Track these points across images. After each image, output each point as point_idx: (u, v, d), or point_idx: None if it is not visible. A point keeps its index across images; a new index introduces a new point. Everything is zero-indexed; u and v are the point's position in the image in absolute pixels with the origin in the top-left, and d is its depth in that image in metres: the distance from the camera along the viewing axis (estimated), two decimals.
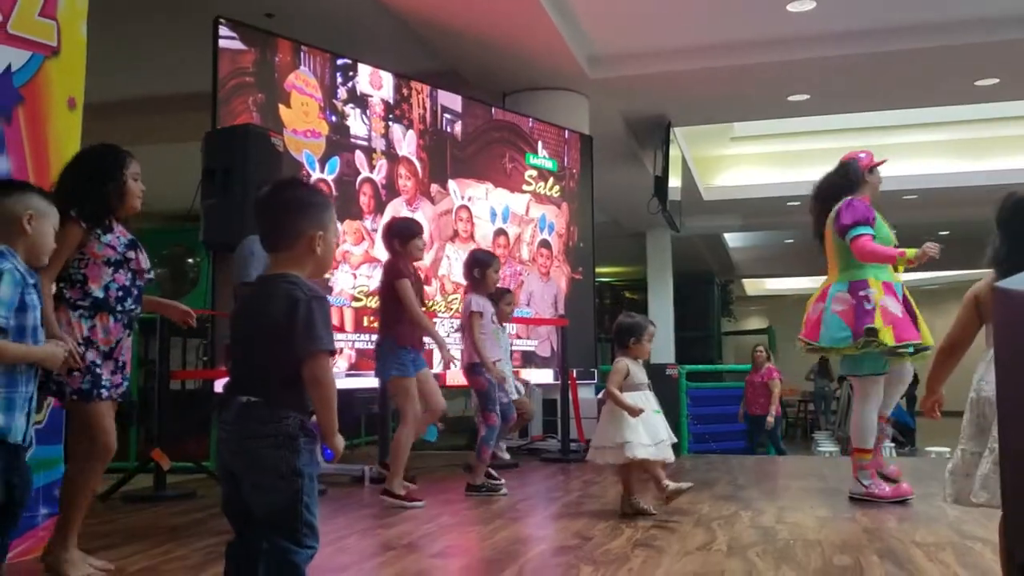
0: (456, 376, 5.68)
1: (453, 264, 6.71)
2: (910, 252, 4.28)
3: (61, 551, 2.96)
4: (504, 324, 5.77)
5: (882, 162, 4.75)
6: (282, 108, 5.62)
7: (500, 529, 3.87)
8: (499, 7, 6.59)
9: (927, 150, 11.99)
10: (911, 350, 4.38)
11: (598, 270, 8.93)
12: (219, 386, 4.26)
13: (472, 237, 6.98)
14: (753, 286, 24.36)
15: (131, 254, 3.14)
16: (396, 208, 6.32)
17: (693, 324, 16.70)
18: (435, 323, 6.44)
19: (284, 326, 1.99)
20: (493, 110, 7.46)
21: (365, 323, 5.96)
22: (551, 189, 7.81)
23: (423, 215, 6.52)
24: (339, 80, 6.04)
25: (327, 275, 5.73)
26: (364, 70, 6.24)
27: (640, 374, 4.21)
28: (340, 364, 5.76)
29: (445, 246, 6.76)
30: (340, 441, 2.06)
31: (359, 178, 6.11)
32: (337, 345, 5.67)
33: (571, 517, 4.18)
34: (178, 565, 3.18)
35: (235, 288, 4.38)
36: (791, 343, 4.95)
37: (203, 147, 4.72)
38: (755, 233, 16.63)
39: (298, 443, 2.00)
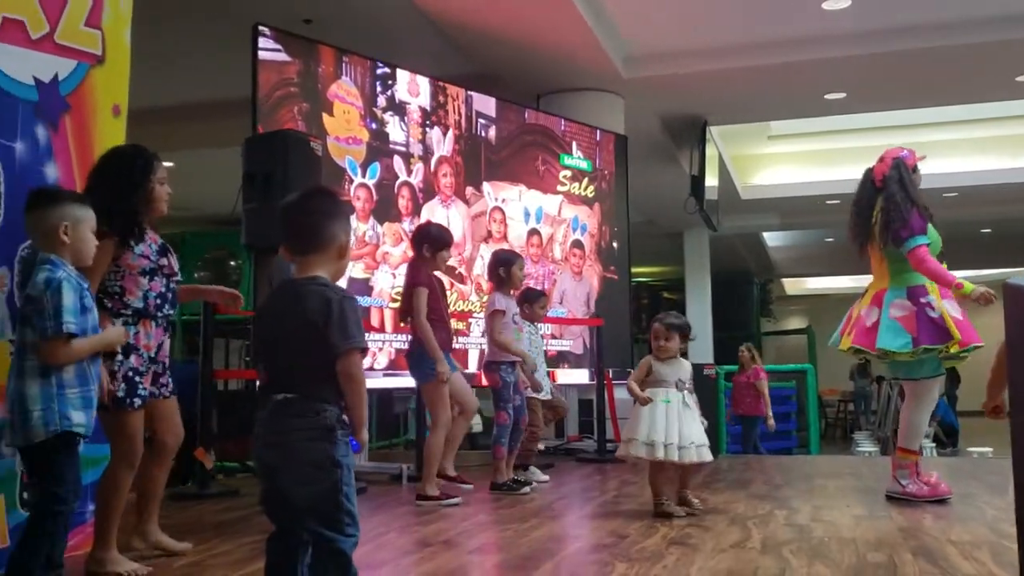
0: None
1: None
2: (967, 287, 4.24)
3: (101, 551, 3.03)
4: (537, 324, 5.82)
5: (922, 158, 4.72)
6: (325, 117, 5.74)
7: (536, 527, 3.91)
8: (534, 9, 6.62)
9: (967, 147, 11.79)
10: (967, 353, 4.33)
11: (634, 270, 8.89)
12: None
13: (505, 237, 7.04)
14: (793, 285, 24.06)
15: (163, 260, 3.19)
16: (431, 209, 6.40)
17: (732, 324, 16.54)
18: (470, 323, 6.53)
19: (319, 324, 2.10)
20: (526, 113, 7.50)
21: (402, 323, 6.02)
22: (585, 189, 7.83)
23: (457, 213, 6.61)
24: (379, 89, 6.15)
25: (367, 275, 5.84)
26: (402, 78, 6.33)
27: (664, 371, 4.20)
28: (380, 360, 5.84)
29: (479, 247, 6.82)
30: (365, 434, 2.18)
31: (397, 182, 6.21)
32: (376, 345, 5.79)
33: (607, 516, 4.22)
34: (222, 560, 3.25)
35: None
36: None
37: (243, 152, 4.81)
38: (794, 232, 16.46)
39: (336, 435, 2.11)
